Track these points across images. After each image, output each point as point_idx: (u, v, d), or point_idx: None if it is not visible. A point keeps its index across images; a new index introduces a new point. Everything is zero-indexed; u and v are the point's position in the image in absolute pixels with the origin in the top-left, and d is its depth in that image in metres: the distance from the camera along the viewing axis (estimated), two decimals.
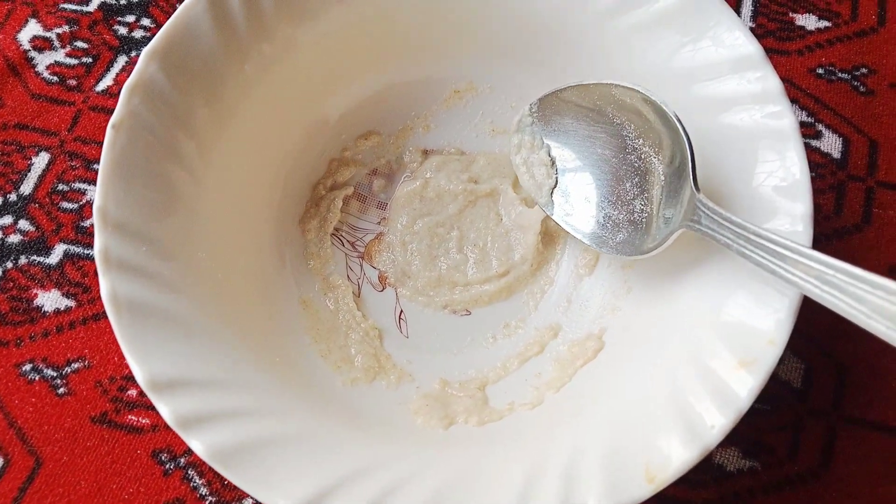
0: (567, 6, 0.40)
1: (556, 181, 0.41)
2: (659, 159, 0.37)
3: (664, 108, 0.35)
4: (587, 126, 0.40)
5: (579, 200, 0.40)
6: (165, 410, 0.30)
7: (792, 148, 0.34)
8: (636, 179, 0.38)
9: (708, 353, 0.32)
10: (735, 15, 0.36)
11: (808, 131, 0.47)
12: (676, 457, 0.29)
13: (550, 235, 0.44)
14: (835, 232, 0.45)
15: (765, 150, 0.34)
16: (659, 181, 0.37)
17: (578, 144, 0.40)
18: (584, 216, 0.40)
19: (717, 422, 0.30)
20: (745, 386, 0.30)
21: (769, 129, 0.34)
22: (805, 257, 0.30)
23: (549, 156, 0.41)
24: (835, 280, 0.29)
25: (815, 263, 0.29)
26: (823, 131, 0.48)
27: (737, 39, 0.35)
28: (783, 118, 0.34)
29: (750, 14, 0.51)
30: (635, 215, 0.38)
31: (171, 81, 0.36)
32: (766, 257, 0.31)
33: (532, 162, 0.42)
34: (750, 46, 0.35)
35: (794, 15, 0.51)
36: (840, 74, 0.49)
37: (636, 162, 0.38)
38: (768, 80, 0.35)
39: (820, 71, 0.49)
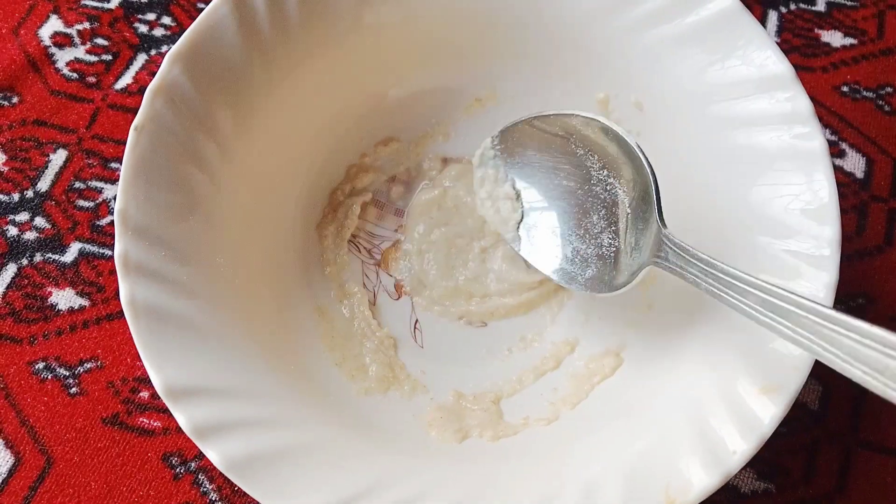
0: (594, 18, 0.39)
1: (522, 215, 0.40)
2: (624, 191, 0.36)
3: (626, 138, 0.35)
4: (551, 157, 0.39)
5: (546, 234, 0.39)
6: (182, 418, 0.29)
7: (821, 170, 0.33)
8: (603, 212, 0.37)
9: (730, 377, 0.32)
10: (765, 33, 0.36)
11: (831, 150, 0.47)
12: (697, 481, 0.29)
13: None
14: (856, 253, 0.44)
15: (793, 172, 0.34)
16: (625, 213, 0.36)
17: (543, 176, 0.39)
18: (551, 251, 0.39)
19: (739, 447, 0.29)
20: (768, 412, 0.30)
21: (798, 151, 0.34)
22: (773, 296, 0.28)
23: (514, 189, 0.40)
24: (807, 322, 0.26)
25: (785, 304, 0.27)
26: (847, 150, 0.47)
27: (767, 59, 0.35)
28: (813, 140, 0.34)
29: (775, 29, 0.51)
30: (603, 249, 0.37)
31: (194, 84, 0.36)
32: (735, 297, 0.29)
33: (497, 196, 0.41)
34: (780, 66, 0.35)
35: (820, 31, 0.51)
36: (865, 93, 0.49)
37: (602, 193, 0.37)
38: (798, 101, 0.34)
39: (845, 89, 0.49)
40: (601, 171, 0.37)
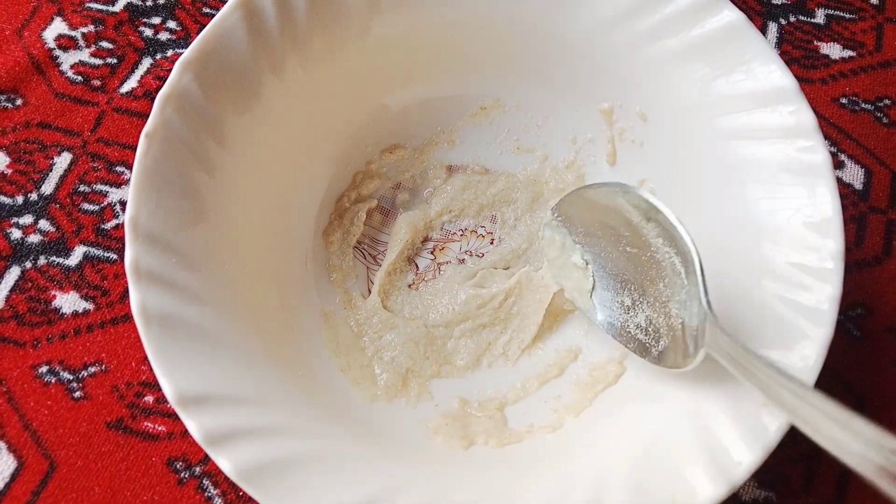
0: (600, 30, 0.40)
1: (594, 283, 0.39)
2: (679, 260, 0.34)
3: (667, 216, 0.34)
4: (610, 224, 0.38)
5: (618, 302, 0.38)
6: (193, 426, 0.30)
7: (824, 184, 0.34)
8: (667, 280, 0.35)
9: (736, 387, 0.32)
10: (770, 47, 0.36)
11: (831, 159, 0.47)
12: (702, 491, 0.30)
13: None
14: (855, 264, 0.45)
15: (797, 185, 0.34)
16: (684, 285, 0.34)
17: (607, 244, 0.39)
18: (626, 320, 0.38)
19: (744, 458, 0.30)
20: (773, 424, 0.30)
21: (802, 164, 0.34)
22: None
23: (583, 258, 0.40)
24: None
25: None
26: (846, 161, 0.48)
27: (772, 72, 0.35)
28: (816, 153, 0.34)
29: (775, 41, 0.51)
30: (672, 320, 0.35)
31: (204, 92, 0.36)
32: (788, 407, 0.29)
33: (566, 264, 0.40)
34: (785, 80, 0.35)
35: (819, 43, 0.51)
36: (863, 105, 0.49)
37: (664, 261, 0.35)
38: (802, 115, 0.35)
39: (843, 101, 0.50)
40: (657, 239, 0.35)
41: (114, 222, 0.46)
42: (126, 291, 0.43)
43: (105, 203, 0.46)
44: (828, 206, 0.33)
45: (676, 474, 0.31)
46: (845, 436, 0.26)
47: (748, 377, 0.30)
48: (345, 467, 0.32)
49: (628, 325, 0.38)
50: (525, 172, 0.46)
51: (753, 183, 0.36)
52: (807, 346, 0.32)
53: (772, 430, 0.30)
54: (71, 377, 0.42)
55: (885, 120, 0.49)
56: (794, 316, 0.32)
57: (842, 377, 0.42)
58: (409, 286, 0.44)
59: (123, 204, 0.46)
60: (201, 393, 0.31)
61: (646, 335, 0.37)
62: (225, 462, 0.29)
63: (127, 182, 0.47)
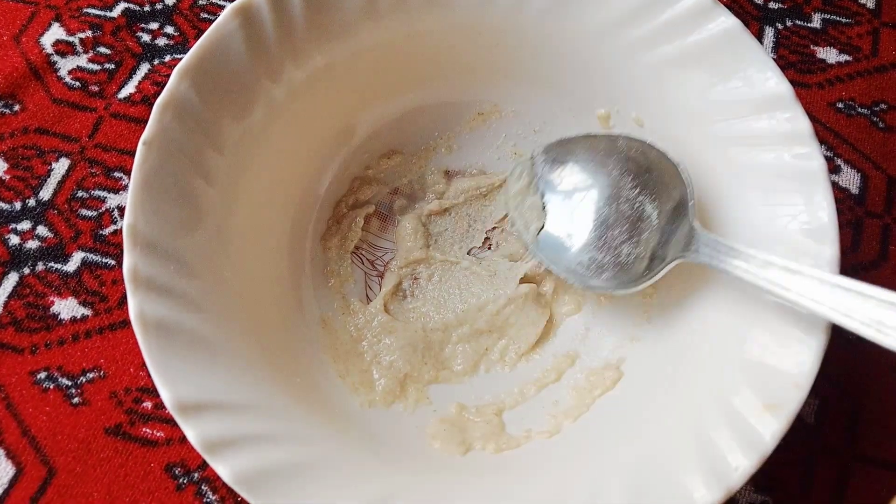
0: (598, 36, 0.40)
1: (544, 225, 0.42)
2: (654, 206, 0.39)
3: (667, 156, 0.38)
4: (585, 177, 0.41)
5: (565, 242, 0.41)
6: (192, 434, 0.30)
7: (820, 191, 0.34)
8: (626, 226, 0.39)
9: (732, 393, 0.32)
10: (766, 54, 0.36)
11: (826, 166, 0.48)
12: (699, 497, 0.30)
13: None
14: (851, 268, 0.45)
15: (792, 192, 0.34)
16: (650, 226, 0.38)
17: (571, 192, 0.42)
18: (567, 257, 0.41)
19: (740, 464, 0.30)
20: (769, 429, 0.30)
21: (798, 171, 0.35)
22: (785, 269, 0.32)
23: (542, 201, 0.42)
24: (822, 289, 0.31)
25: (796, 273, 0.31)
26: (842, 166, 0.48)
27: (768, 79, 0.36)
28: (812, 160, 0.34)
29: (771, 45, 0.52)
30: (621, 258, 0.39)
31: (201, 99, 0.36)
32: (772, 280, 0.32)
33: (522, 203, 0.43)
34: (781, 86, 0.35)
35: (816, 48, 0.52)
36: (860, 109, 0.50)
37: (628, 211, 0.39)
38: (798, 122, 0.35)
39: (840, 105, 0.50)
40: (632, 191, 0.39)
41: (112, 228, 0.46)
42: (124, 297, 0.43)
43: (103, 209, 0.46)
44: (824, 213, 0.33)
45: (673, 479, 0.31)
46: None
47: (736, 269, 0.33)
48: (343, 473, 0.32)
49: (568, 261, 0.41)
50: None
51: (749, 189, 0.36)
52: (802, 352, 0.32)
53: (768, 436, 0.30)
54: (69, 383, 0.42)
55: (881, 124, 0.49)
56: (790, 322, 0.33)
57: (839, 383, 0.42)
58: (408, 289, 0.44)
59: (121, 210, 0.46)
60: (200, 400, 0.31)
61: (587, 270, 0.40)
62: (223, 469, 0.29)
63: (125, 188, 0.47)
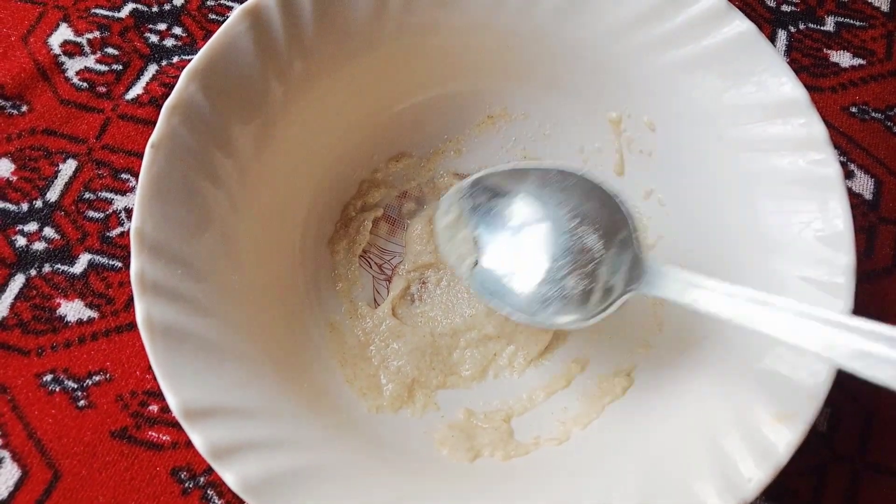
0: (610, 39, 0.39)
1: (476, 260, 0.41)
2: (597, 236, 0.37)
3: (602, 187, 0.36)
4: (519, 209, 0.40)
5: (503, 277, 0.40)
6: (199, 440, 0.29)
7: (835, 197, 0.33)
8: (568, 258, 0.38)
9: (745, 402, 0.32)
10: (781, 58, 0.36)
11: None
12: None
13: None
14: (864, 275, 0.44)
15: (807, 198, 0.34)
16: (594, 258, 0.37)
17: (505, 225, 0.40)
18: (508, 292, 0.39)
19: (754, 475, 0.29)
20: (783, 440, 0.30)
21: (813, 177, 0.34)
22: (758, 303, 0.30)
23: (472, 235, 0.41)
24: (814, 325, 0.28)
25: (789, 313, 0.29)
26: (855, 171, 0.47)
27: (783, 84, 0.35)
28: (828, 166, 0.34)
29: (784, 49, 0.51)
30: (566, 291, 0.37)
31: (210, 101, 0.35)
32: (739, 313, 0.30)
33: (453, 237, 0.42)
34: (796, 91, 0.35)
35: (829, 51, 0.51)
36: (873, 114, 0.49)
37: (569, 242, 0.38)
38: (813, 127, 0.34)
39: (853, 109, 0.49)
40: (571, 222, 0.38)
41: (119, 230, 0.45)
42: (131, 299, 0.43)
43: (110, 210, 0.46)
44: (839, 221, 0.33)
45: (686, 490, 0.30)
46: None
47: (694, 302, 0.32)
48: (351, 480, 0.32)
49: (510, 297, 0.39)
50: None
51: (763, 195, 0.35)
52: (816, 363, 0.31)
53: (781, 446, 0.30)
54: (75, 386, 0.42)
55: (895, 129, 0.48)
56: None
57: (852, 391, 0.41)
58: (416, 294, 0.44)
59: (129, 211, 0.46)
60: (206, 406, 0.30)
61: (529, 304, 0.38)
62: (230, 476, 0.29)
63: (132, 189, 0.46)
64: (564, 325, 0.37)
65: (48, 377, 0.42)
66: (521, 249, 0.40)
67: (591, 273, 0.37)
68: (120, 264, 0.45)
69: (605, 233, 0.37)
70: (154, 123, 0.35)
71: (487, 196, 0.41)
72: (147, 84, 0.49)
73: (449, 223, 0.42)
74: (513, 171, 0.40)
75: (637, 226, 0.35)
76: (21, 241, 0.45)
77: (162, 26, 0.51)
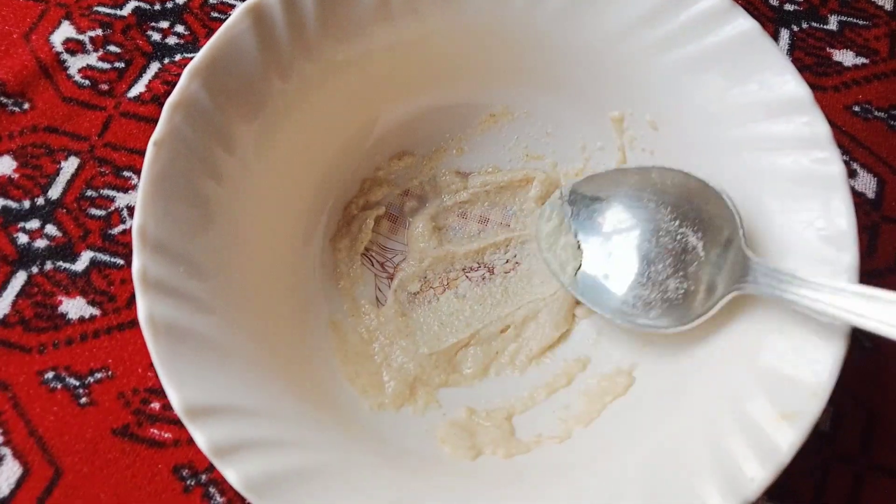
0: (613, 38, 0.39)
1: (581, 264, 0.41)
2: (698, 237, 0.37)
3: (707, 184, 0.36)
4: (620, 212, 0.40)
5: (605, 281, 0.40)
6: (201, 438, 0.29)
7: (839, 196, 0.33)
8: (669, 260, 0.38)
9: (748, 401, 0.32)
10: (784, 56, 0.36)
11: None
12: None
13: None
14: (867, 274, 0.44)
15: (811, 197, 0.34)
16: (698, 258, 0.37)
17: (606, 229, 0.41)
18: (610, 296, 0.39)
19: (757, 475, 0.29)
20: (786, 439, 0.30)
21: (816, 175, 0.34)
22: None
23: (576, 239, 0.41)
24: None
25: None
26: (858, 170, 0.47)
27: (786, 83, 0.35)
28: (831, 165, 0.34)
29: (787, 47, 0.51)
30: (669, 293, 0.37)
31: (212, 99, 0.35)
32: (847, 309, 0.30)
33: (555, 242, 0.42)
34: (799, 90, 0.35)
35: (832, 50, 0.51)
36: (876, 113, 0.49)
37: (670, 244, 0.38)
38: (816, 126, 0.34)
39: (856, 108, 0.49)
40: (672, 223, 0.38)
41: (121, 227, 0.45)
42: (132, 297, 0.43)
43: (112, 208, 0.46)
44: (842, 219, 0.33)
45: (688, 489, 0.30)
46: None
47: (803, 299, 0.31)
48: (353, 479, 0.32)
49: (611, 301, 0.39)
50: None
51: (766, 194, 0.35)
52: (820, 361, 0.31)
53: (784, 445, 0.30)
54: (77, 383, 0.42)
55: None
56: (808, 329, 0.32)
57: (853, 390, 0.41)
58: (416, 294, 0.44)
59: (131, 209, 0.46)
60: (209, 404, 0.30)
61: (633, 308, 0.38)
62: (232, 474, 0.29)
63: (134, 187, 0.46)
64: (665, 327, 0.37)
65: (50, 374, 0.42)
66: (621, 253, 0.40)
67: (693, 274, 0.37)
68: (122, 262, 0.45)
69: (707, 232, 0.36)
70: (156, 121, 0.35)
71: (588, 201, 0.41)
72: (149, 82, 0.49)
73: (551, 230, 0.42)
74: (612, 174, 0.40)
75: (743, 223, 0.35)
76: (23, 239, 0.45)
77: (164, 24, 0.51)
